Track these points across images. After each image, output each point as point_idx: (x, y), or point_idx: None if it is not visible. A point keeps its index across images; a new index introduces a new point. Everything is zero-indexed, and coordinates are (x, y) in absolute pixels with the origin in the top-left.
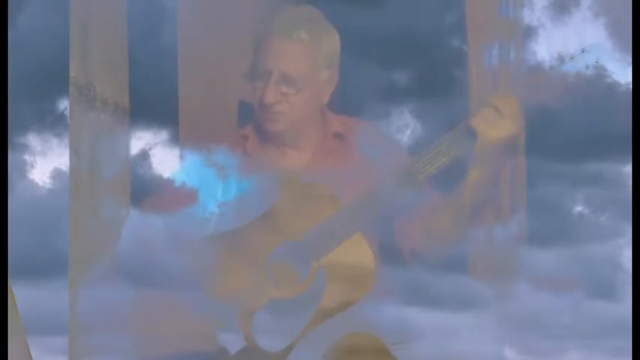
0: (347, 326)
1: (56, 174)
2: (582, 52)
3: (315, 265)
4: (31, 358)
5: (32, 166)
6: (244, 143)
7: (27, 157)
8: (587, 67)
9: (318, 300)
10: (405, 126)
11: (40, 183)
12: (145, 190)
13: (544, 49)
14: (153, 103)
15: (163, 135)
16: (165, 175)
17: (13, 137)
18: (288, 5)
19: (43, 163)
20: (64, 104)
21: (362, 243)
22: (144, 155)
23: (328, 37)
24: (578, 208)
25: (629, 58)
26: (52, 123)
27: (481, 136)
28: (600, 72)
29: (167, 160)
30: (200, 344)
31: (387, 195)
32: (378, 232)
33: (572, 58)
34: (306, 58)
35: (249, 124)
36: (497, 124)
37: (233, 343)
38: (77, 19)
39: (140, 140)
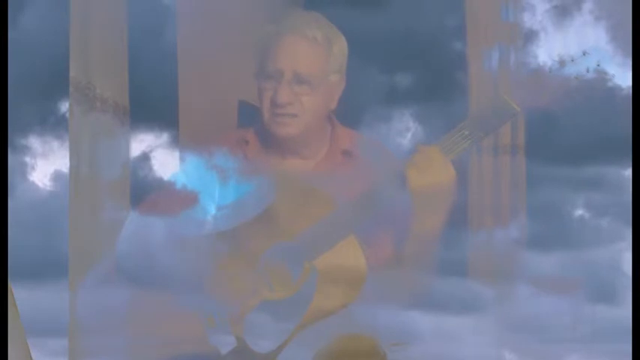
0: (344, 328)
1: (57, 176)
2: (583, 54)
3: (307, 267)
4: (31, 359)
5: (33, 168)
6: (245, 147)
7: (28, 159)
8: (587, 70)
9: (310, 301)
10: (406, 129)
11: (41, 185)
12: (146, 192)
13: (545, 52)
14: (153, 103)
15: (164, 137)
16: (166, 177)
17: (14, 139)
18: (292, 8)
19: (44, 165)
20: (65, 107)
21: (354, 245)
22: (145, 157)
23: (338, 40)
24: (579, 212)
25: (630, 62)
26: (53, 125)
27: (411, 183)
28: (601, 75)
29: (168, 163)
30: (199, 346)
31: (382, 198)
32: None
33: (572, 60)
34: (319, 59)
35: (252, 127)
36: (427, 171)
37: (227, 344)
38: (77, 19)
39: (141, 142)
